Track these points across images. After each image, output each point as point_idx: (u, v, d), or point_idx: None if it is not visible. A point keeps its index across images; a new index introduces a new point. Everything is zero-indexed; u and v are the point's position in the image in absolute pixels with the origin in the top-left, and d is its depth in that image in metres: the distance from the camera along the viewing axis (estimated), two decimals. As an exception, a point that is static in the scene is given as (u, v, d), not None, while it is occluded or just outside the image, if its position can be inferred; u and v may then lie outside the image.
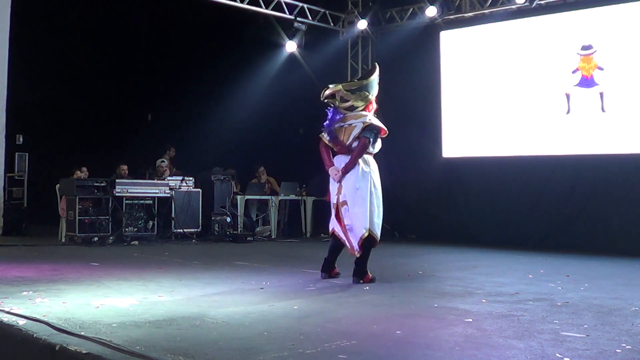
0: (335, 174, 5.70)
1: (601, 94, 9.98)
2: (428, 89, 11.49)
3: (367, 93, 5.83)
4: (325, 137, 5.85)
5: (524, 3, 10.16)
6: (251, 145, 12.89)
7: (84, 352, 3.02)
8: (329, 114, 5.89)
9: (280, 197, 11.50)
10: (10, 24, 10.47)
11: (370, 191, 5.65)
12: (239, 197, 11.09)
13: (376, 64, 6.22)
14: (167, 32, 12.85)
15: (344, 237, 5.73)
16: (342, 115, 5.82)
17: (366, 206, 5.61)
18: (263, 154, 12.52)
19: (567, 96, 10.26)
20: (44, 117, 13.14)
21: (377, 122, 5.79)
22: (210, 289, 5.17)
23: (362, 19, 11.91)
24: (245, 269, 6.60)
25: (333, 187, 5.82)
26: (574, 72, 10.10)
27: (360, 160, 5.66)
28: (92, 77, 13.38)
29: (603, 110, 9.87)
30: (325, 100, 5.90)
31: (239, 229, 10.82)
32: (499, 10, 10.71)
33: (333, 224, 5.83)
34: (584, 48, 10.23)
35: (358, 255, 5.66)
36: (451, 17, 11.22)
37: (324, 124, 5.88)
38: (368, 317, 4.09)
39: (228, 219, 10.65)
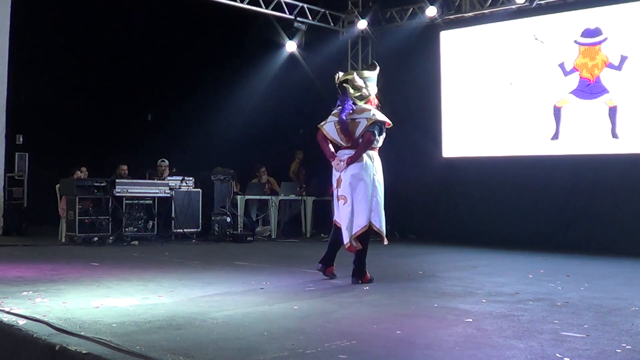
0: (338, 164, 5.65)
1: (612, 110, 8.79)
2: (428, 89, 11.48)
3: (373, 84, 5.85)
4: (325, 128, 5.77)
5: (524, 3, 10.16)
6: (251, 145, 12.89)
7: (84, 352, 3.02)
8: (339, 103, 5.76)
9: (280, 197, 11.50)
10: (10, 24, 10.47)
11: (374, 186, 5.63)
12: (239, 197, 11.09)
13: (376, 63, 6.21)
14: (166, 32, 12.84)
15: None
16: (352, 107, 5.68)
17: (367, 201, 5.58)
18: (263, 154, 12.52)
19: (556, 112, 9.40)
20: (44, 117, 13.13)
21: (381, 116, 5.71)
22: (210, 289, 5.17)
23: (362, 19, 11.90)
24: (245, 269, 6.60)
25: (334, 179, 5.79)
26: (567, 73, 9.57)
27: (364, 155, 5.62)
28: (92, 77, 13.37)
29: (614, 135, 9.06)
30: (344, 85, 5.76)
31: (239, 229, 10.82)
32: (499, 10, 10.71)
33: (336, 215, 5.82)
34: (588, 34, 8.99)
35: (350, 248, 5.61)
36: (451, 17, 11.22)
37: (340, 113, 5.67)
38: (368, 317, 4.10)
39: (228, 219, 10.65)
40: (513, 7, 10.44)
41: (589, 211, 9.59)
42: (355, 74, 5.82)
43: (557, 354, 3.08)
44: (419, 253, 9.04)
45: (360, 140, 5.63)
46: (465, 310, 4.29)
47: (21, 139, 11.88)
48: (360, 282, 5.60)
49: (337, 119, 5.74)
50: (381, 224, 5.66)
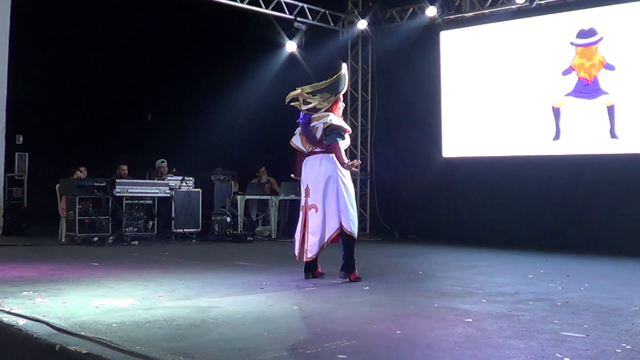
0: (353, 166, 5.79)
1: (610, 110, 8.74)
2: (428, 89, 11.48)
3: (329, 94, 5.88)
4: (294, 142, 5.95)
5: (524, 3, 10.15)
6: (251, 145, 12.88)
7: (84, 352, 3.02)
8: (300, 117, 5.96)
9: (280, 197, 11.50)
10: (10, 24, 10.47)
11: (338, 190, 5.72)
12: (239, 197, 11.09)
13: (342, 61, 6.31)
14: (167, 32, 12.84)
15: (298, 242, 5.82)
16: (309, 117, 5.89)
17: (336, 203, 5.69)
18: (263, 154, 12.52)
19: (555, 112, 9.32)
20: (44, 117, 13.13)
21: (337, 121, 5.86)
22: (210, 289, 5.17)
23: (362, 19, 11.90)
24: (245, 269, 6.60)
25: (302, 190, 5.92)
26: (565, 72, 9.53)
27: (327, 161, 5.76)
28: (92, 77, 13.37)
29: (613, 134, 9.01)
30: (290, 104, 5.98)
31: (239, 229, 10.82)
32: (499, 10, 10.71)
33: (299, 229, 5.92)
34: (583, 35, 9.09)
35: (309, 258, 5.74)
36: (451, 17, 11.21)
37: (300, 128, 5.94)
38: (368, 317, 4.10)
39: (228, 219, 10.65)
40: (513, 7, 10.43)
41: (589, 211, 9.59)
42: (301, 90, 5.92)
43: (557, 354, 3.08)
44: (419, 253, 9.04)
45: (323, 145, 5.76)
46: (465, 310, 4.29)
47: (21, 139, 11.87)
48: (348, 278, 5.66)
49: (301, 130, 5.95)
50: (351, 226, 5.69)
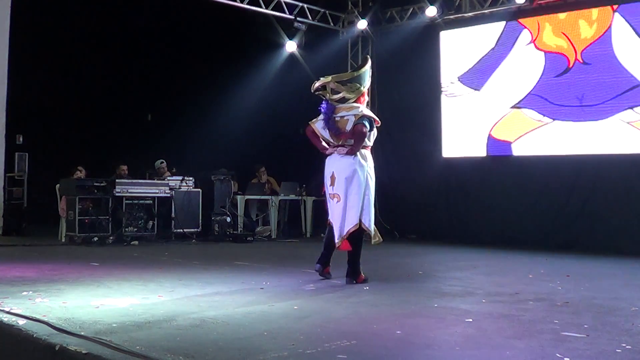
0: (340, 150, 5.64)
1: None
2: (428, 89, 11.48)
3: (358, 85, 5.79)
4: (316, 125, 5.79)
5: (524, 3, 10.15)
6: (251, 145, 12.89)
7: (84, 352, 3.02)
8: (323, 107, 5.81)
9: (280, 197, 11.50)
10: (10, 24, 10.47)
11: (367, 184, 5.63)
12: (239, 197, 11.09)
13: (367, 56, 6.24)
14: (167, 32, 12.85)
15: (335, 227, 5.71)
16: (334, 108, 5.75)
17: (359, 198, 5.58)
18: (263, 154, 12.52)
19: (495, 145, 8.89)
20: (44, 117, 13.14)
21: (369, 112, 5.79)
22: (210, 289, 5.17)
23: (362, 19, 11.90)
24: (245, 269, 6.60)
25: (327, 177, 5.77)
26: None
27: (357, 152, 5.63)
28: (92, 77, 13.38)
29: None
30: (316, 93, 5.87)
31: (239, 229, 10.82)
32: (499, 10, 10.70)
33: (330, 215, 5.79)
34: None
35: (342, 246, 5.62)
36: (451, 17, 11.21)
37: (321, 116, 5.78)
38: (368, 317, 4.10)
39: (228, 219, 10.65)
40: (513, 7, 10.43)
41: (588, 211, 9.58)
42: (331, 78, 5.78)
43: (557, 354, 3.08)
44: (419, 253, 9.04)
45: (353, 134, 5.62)
46: (465, 310, 4.29)
47: (21, 139, 11.87)
48: (354, 282, 5.59)
49: (324, 124, 5.79)
50: (370, 223, 5.64)
